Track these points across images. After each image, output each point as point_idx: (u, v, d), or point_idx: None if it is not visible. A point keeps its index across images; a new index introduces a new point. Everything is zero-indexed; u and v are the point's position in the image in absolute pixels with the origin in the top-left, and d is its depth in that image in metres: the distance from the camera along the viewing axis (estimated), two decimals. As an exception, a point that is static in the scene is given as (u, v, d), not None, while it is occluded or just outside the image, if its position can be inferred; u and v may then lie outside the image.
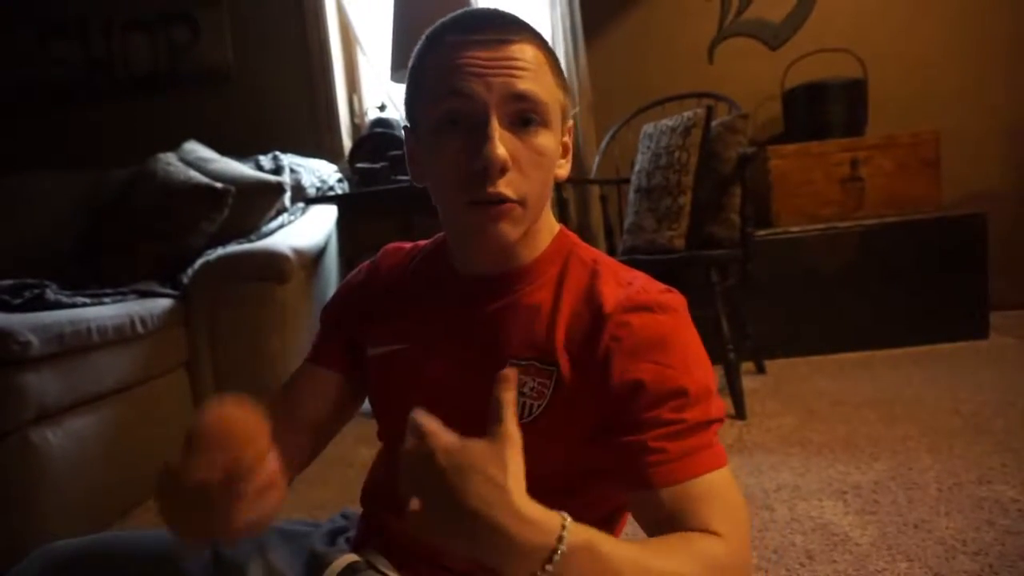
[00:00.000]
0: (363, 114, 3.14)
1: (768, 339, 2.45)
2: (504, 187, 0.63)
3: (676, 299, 0.68)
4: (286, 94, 3.06)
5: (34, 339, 1.42)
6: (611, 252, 2.42)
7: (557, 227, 0.74)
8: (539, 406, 0.64)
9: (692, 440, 0.61)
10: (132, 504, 1.73)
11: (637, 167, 2.29)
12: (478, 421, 0.57)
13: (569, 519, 0.49)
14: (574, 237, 0.75)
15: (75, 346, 1.55)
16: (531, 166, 0.64)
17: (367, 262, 0.85)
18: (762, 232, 2.52)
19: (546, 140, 0.66)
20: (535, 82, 0.64)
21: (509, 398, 0.52)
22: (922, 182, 2.60)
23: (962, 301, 2.49)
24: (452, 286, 0.74)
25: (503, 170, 0.62)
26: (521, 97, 0.63)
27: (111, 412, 1.69)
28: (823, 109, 2.65)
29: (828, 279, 2.51)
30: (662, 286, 0.68)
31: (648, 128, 2.32)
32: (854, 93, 2.67)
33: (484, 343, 0.68)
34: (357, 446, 1.81)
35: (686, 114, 2.16)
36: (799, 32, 2.88)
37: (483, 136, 0.62)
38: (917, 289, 2.49)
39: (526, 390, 0.65)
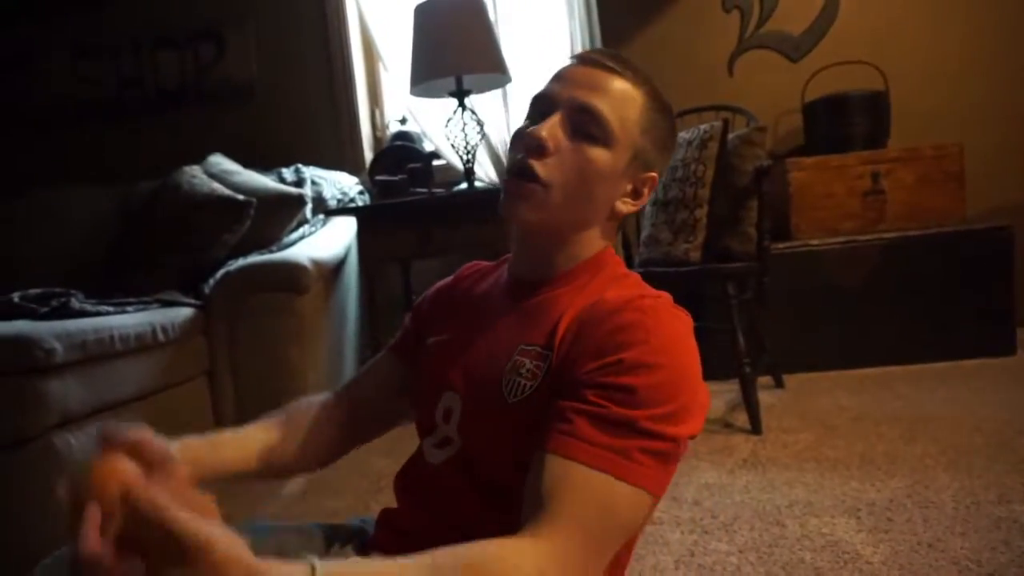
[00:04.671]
0: (384, 127, 3.19)
1: (788, 354, 2.43)
2: (536, 163, 0.70)
3: (676, 313, 0.69)
4: (309, 108, 3.12)
5: (58, 346, 1.47)
6: (628, 264, 2.41)
7: (604, 247, 0.78)
8: (531, 387, 0.67)
9: (609, 434, 0.59)
10: (151, 509, 1.77)
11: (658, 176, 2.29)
12: (481, 408, 0.68)
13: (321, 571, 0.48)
14: (616, 258, 0.79)
15: (98, 353, 1.59)
16: (573, 168, 0.70)
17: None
18: (781, 245, 2.50)
19: (598, 155, 0.71)
20: (610, 106, 0.70)
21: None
22: (945, 195, 2.56)
23: (987, 317, 2.44)
24: (499, 288, 0.81)
25: (539, 148, 0.69)
26: (586, 110, 0.70)
27: (133, 418, 1.71)
28: (844, 121, 2.63)
29: (849, 293, 2.48)
30: (672, 303, 0.70)
31: (665, 141, 2.32)
32: (876, 105, 2.64)
33: (510, 333, 0.73)
34: (371, 456, 1.83)
35: (703, 127, 2.16)
36: (820, 44, 2.86)
37: (540, 123, 0.71)
38: (940, 304, 2.45)
39: (523, 371, 0.68)
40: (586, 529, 0.57)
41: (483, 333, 0.76)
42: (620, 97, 0.71)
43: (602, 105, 0.70)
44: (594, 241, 0.76)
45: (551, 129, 0.70)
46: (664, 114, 0.76)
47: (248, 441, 0.82)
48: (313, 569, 0.47)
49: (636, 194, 0.76)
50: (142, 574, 0.45)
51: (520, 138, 0.72)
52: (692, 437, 0.65)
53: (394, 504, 0.82)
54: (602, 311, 0.67)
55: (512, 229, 0.78)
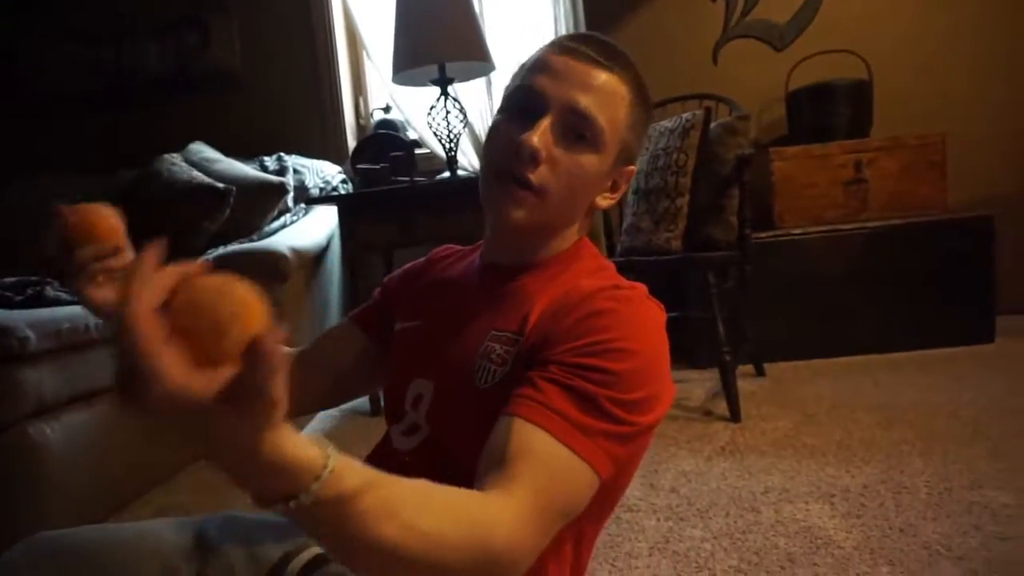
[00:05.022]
0: (368, 116, 3.17)
1: (770, 342, 2.43)
2: (529, 173, 0.69)
3: (651, 304, 0.69)
4: (293, 97, 3.10)
5: (32, 335, 1.45)
6: (610, 253, 2.42)
7: (579, 237, 0.79)
8: (502, 372, 0.68)
9: (578, 409, 0.59)
10: (129, 498, 1.76)
11: (636, 168, 2.29)
12: (452, 394, 0.68)
13: (333, 466, 0.42)
14: (592, 248, 0.79)
15: (73, 342, 1.58)
16: (564, 174, 0.70)
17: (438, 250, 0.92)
18: (765, 234, 2.51)
19: (589, 161, 0.71)
20: (601, 107, 0.70)
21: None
22: (928, 185, 2.57)
23: (968, 305, 2.46)
24: (472, 274, 0.80)
25: (533, 158, 0.68)
26: (580, 113, 0.69)
27: (109, 407, 1.71)
28: (828, 111, 2.63)
29: (831, 282, 2.49)
30: (647, 294, 0.70)
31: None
32: (859, 95, 2.65)
33: (482, 319, 0.73)
34: (353, 445, 1.82)
35: (685, 115, 2.16)
36: (804, 33, 2.86)
37: (531, 125, 0.69)
38: (922, 292, 2.46)
39: (493, 356, 0.68)
40: (546, 497, 0.57)
41: (455, 319, 0.75)
42: (611, 97, 0.71)
43: (594, 107, 0.69)
44: (570, 233, 0.77)
45: (543, 137, 0.68)
46: (647, 107, 0.76)
47: None
48: (327, 458, 0.43)
49: (615, 187, 0.77)
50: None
51: (499, 133, 0.72)
52: (652, 428, 0.65)
53: None
54: (576, 297, 0.67)
55: (489, 218, 0.76)
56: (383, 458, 0.79)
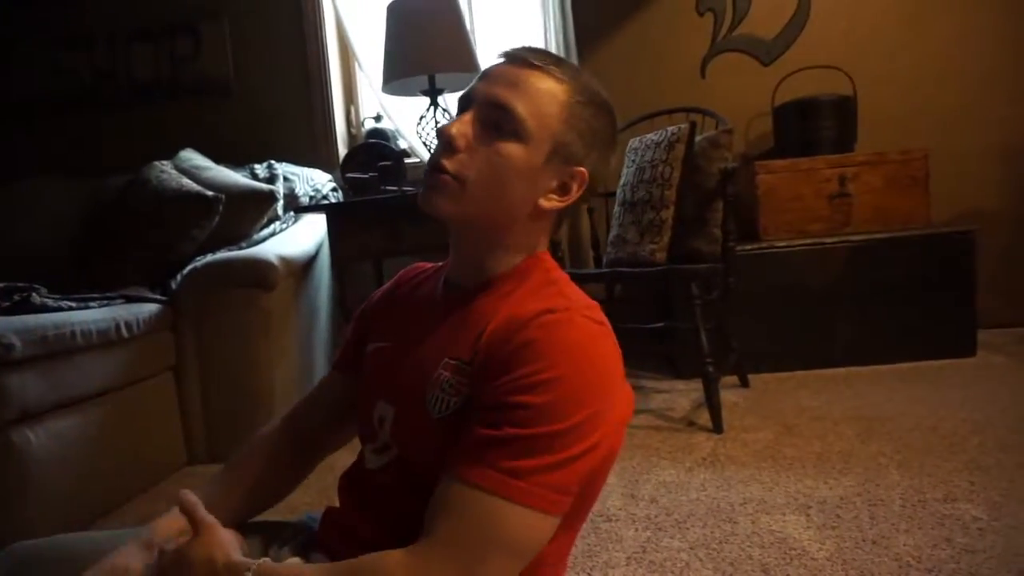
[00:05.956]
0: (360, 125, 3.19)
1: (754, 354, 2.46)
2: (446, 160, 0.71)
3: (582, 323, 0.67)
4: (285, 105, 3.11)
5: (16, 341, 1.46)
6: (597, 264, 2.44)
7: (533, 250, 0.77)
8: (455, 403, 0.67)
9: (499, 454, 0.60)
10: (114, 504, 1.76)
11: (622, 180, 2.32)
12: (410, 420, 0.71)
13: (256, 567, 0.64)
14: (549, 261, 0.78)
15: (59, 349, 1.59)
16: (483, 162, 0.70)
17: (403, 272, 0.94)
18: (749, 247, 2.54)
19: (511, 150, 0.70)
20: (522, 100, 0.70)
21: (191, 499, 0.72)
22: (911, 199, 2.60)
23: (950, 318, 2.48)
24: (435, 294, 0.80)
25: (449, 144, 0.71)
26: (497, 106, 0.70)
27: (95, 414, 1.72)
28: (813, 125, 2.67)
29: (815, 295, 2.52)
30: (585, 311, 0.68)
31: (634, 142, 2.35)
32: (843, 110, 2.68)
33: (438, 344, 0.73)
34: (341, 453, 1.83)
35: (670, 129, 2.18)
36: (791, 49, 2.90)
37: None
38: (904, 306, 2.49)
39: (446, 386, 0.68)
40: (461, 546, 0.59)
41: (414, 343, 0.76)
42: (537, 92, 0.71)
43: (515, 100, 0.70)
44: (521, 243, 0.75)
45: (461, 126, 0.71)
46: (594, 108, 0.74)
47: (226, 502, 0.83)
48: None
49: (563, 189, 0.75)
50: None
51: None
52: (599, 444, 0.64)
53: None
54: (511, 328, 0.66)
55: (450, 234, 0.77)
56: (356, 476, 0.80)
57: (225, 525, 0.72)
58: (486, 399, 0.63)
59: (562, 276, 0.76)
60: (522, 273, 0.75)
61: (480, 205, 0.71)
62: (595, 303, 0.71)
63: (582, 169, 0.74)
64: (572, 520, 0.71)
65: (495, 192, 0.71)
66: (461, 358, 0.69)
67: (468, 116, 0.72)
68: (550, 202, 0.74)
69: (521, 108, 0.70)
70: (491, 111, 0.71)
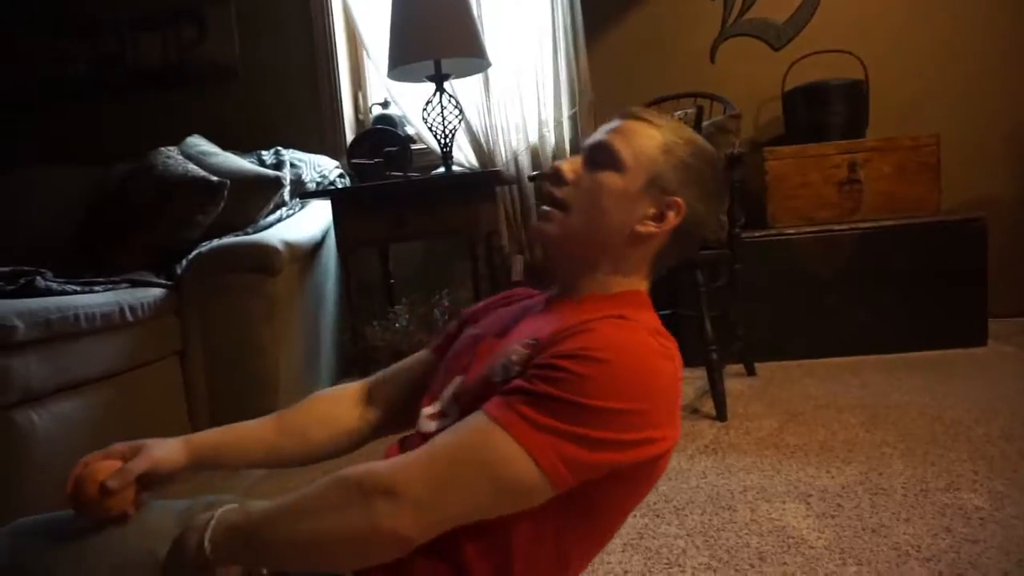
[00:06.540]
0: (367, 111, 3.18)
1: (762, 342, 2.44)
2: (554, 188, 0.82)
3: (647, 337, 0.70)
4: (292, 91, 3.11)
5: (20, 324, 1.47)
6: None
7: (637, 288, 0.82)
8: (516, 371, 0.70)
9: (527, 404, 0.63)
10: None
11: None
12: (472, 388, 0.75)
13: (219, 513, 0.67)
14: (646, 299, 0.83)
15: (62, 332, 1.60)
16: (585, 191, 0.80)
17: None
18: (757, 234, 2.51)
19: (608, 179, 0.80)
20: (622, 140, 0.80)
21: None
22: (921, 186, 2.56)
23: (960, 307, 2.45)
24: (535, 307, 0.87)
25: (555, 174, 0.82)
26: (597, 146, 0.82)
27: (99, 396, 1.74)
28: (823, 111, 2.63)
29: (824, 282, 2.49)
30: (654, 331, 0.72)
31: (640, 128, 2.32)
32: (854, 95, 2.64)
33: (521, 336, 0.77)
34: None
35: (677, 114, 2.16)
36: (802, 33, 2.85)
37: None
38: (914, 294, 2.46)
39: (512, 355, 0.72)
40: (446, 455, 0.64)
41: (504, 336, 0.81)
42: (634, 133, 0.81)
43: (615, 140, 0.81)
44: (617, 267, 0.81)
45: (571, 163, 0.83)
46: (691, 148, 0.82)
47: (261, 432, 0.90)
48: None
49: (660, 217, 0.80)
50: None
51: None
52: (628, 448, 0.65)
53: None
54: (581, 319, 0.70)
55: (553, 262, 0.86)
56: (410, 440, 0.83)
57: (285, 465, 0.90)
58: (535, 362, 0.67)
59: (653, 313, 0.80)
60: (615, 301, 0.79)
61: (580, 226, 0.80)
62: (672, 338, 0.74)
63: (678, 199, 0.80)
64: (586, 530, 0.73)
65: (594, 215, 0.80)
66: (532, 337, 0.74)
67: (577, 157, 0.84)
68: (646, 227, 0.80)
69: (618, 143, 0.80)
70: (594, 151, 0.82)
